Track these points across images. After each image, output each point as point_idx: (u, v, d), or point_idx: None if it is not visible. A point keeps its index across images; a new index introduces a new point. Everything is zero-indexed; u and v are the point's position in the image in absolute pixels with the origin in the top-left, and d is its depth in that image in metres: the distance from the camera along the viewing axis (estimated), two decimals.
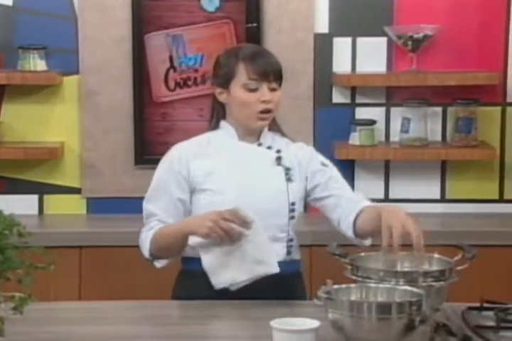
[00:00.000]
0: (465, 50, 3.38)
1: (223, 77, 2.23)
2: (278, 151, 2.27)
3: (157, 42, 3.38)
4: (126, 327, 2.02)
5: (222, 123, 2.28)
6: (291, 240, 2.24)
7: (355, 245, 2.25)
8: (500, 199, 3.43)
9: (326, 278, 1.88)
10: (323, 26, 3.38)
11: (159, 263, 2.27)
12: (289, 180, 2.24)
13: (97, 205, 3.42)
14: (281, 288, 2.15)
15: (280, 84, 2.24)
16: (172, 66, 3.39)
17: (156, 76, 3.39)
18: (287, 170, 2.25)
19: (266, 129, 2.29)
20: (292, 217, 2.24)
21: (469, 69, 3.36)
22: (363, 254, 2.10)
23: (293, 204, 2.23)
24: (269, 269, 2.11)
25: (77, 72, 3.39)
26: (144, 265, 3.11)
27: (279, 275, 2.11)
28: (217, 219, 2.07)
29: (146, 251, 2.26)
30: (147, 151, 3.42)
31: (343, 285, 1.90)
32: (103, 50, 3.38)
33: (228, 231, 2.07)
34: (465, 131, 3.34)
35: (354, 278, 1.98)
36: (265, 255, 2.10)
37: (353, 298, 1.88)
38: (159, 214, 2.25)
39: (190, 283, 2.20)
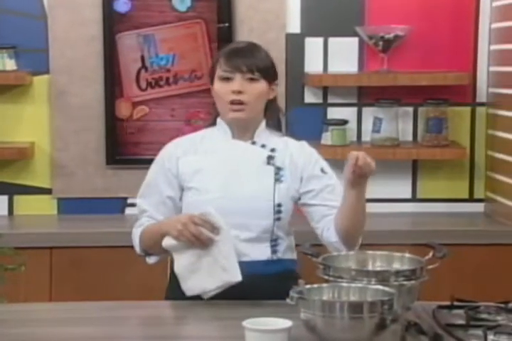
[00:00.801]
0: (435, 50, 3.40)
1: (211, 74, 2.27)
2: (272, 150, 2.25)
3: (128, 41, 3.36)
4: (98, 328, 2.00)
5: (218, 121, 2.29)
6: (275, 240, 2.23)
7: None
8: (470, 199, 3.46)
9: (301, 277, 1.89)
10: (294, 26, 3.39)
11: (151, 260, 2.28)
12: (277, 180, 2.22)
13: (68, 206, 3.40)
14: (268, 288, 2.13)
15: (266, 78, 2.21)
16: (144, 66, 3.38)
17: (128, 76, 3.37)
18: (278, 169, 2.23)
19: (262, 126, 2.26)
20: (278, 219, 2.21)
21: (439, 69, 3.39)
22: (335, 254, 2.11)
23: (279, 205, 2.21)
24: (231, 278, 2.10)
25: (47, 72, 3.36)
26: (115, 265, 3.10)
27: (264, 275, 2.11)
28: (187, 222, 2.07)
29: (137, 247, 2.27)
30: (119, 151, 3.40)
31: (315, 285, 1.91)
32: (74, 50, 3.35)
33: (197, 236, 2.07)
34: (436, 131, 3.37)
35: (326, 277, 1.98)
36: (229, 263, 2.10)
37: (325, 297, 1.88)
38: (149, 210, 2.26)
39: (179, 284, 2.19)
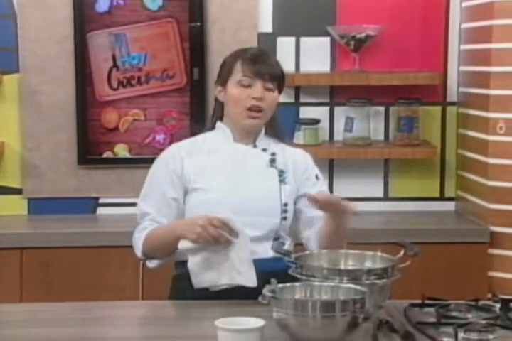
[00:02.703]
0: (406, 50, 3.43)
1: (223, 76, 2.27)
2: (273, 154, 2.28)
3: (100, 41, 3.34)
4: (69, 329, 1.99)
5: (218, 125, 2.30)
6: (277, 239, 2.24)
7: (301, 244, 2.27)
8: (441, 197, 3.49)
9: None
10: (266, 26, 3.40)
11: (151, 264, 2.27)
12: (282, 181, 2.25)
13: (39, 206, 3.37)
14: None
15: (279, 88, 2.26)
16: (115, 65, 3.36)
17: (99, 75, 3.36)
18: (281, 172, 2.26)
19: (262, 133, 2.30)
20: (284, 218, 2.24)
21: (411, 69, 3.41)
22: (307, 252, 2.11)
23: (285, 204, 2.24)
24: (247, 282, 2.11)
25: (17, 71, 3.33)
26: (87, 266, 3.08)
27: (272, 272, 2.07)
28: (206, 225, 2.06)
29: (138, 251, 2.25)
30: (90, 151, 3.38)
31: (288, 284, 1.91)
32: (44, 49, 3.33)
33: (216, 238, 2.07)
34: (407, 130, 3.39)
35: (298, 276, 1.99)
36: (246, 268, 2.11)
37: (297, 296, 1.89)
38: (152, 213, 2.25)
39: (185, 286, 2.20)
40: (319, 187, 2.31)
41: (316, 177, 2.32)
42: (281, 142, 2.34)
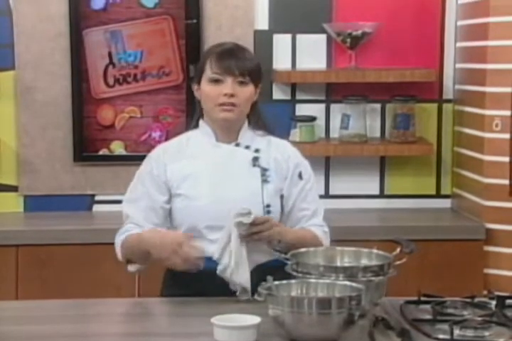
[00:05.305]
0: (403, 47, 3.43)
1: (197, 73, 2.26)
2: (256, 151, 2.25)
3: (96, 37, 3.34)
4: (65, 325, 1.99)
5: (201, 123, 2.28)
6: None
7: None
8: (437, 195, 3.50)
9: None
10: (263, 23, 3.39)
11: (132, 268, 2.25)
12: (264, 181, 2.22)
13: (34, 203, 3.37)
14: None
15: (254, 81, 2.22)
16: (111, 62, 3.35)
17: (95, 72, 3.35)
18: (264, 170, 2.24)
19: (245, 127, 2.27)
20: None
21: (407, 66, 3.41)
22: (303, 250, 2.11)
23: (268, 206, 2.21)
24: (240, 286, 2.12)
25: (12, 68, 3.33)
26: (83, 263, 3.08)
27: (263, 270, 2.07)
28: (176, 249, 2.05)
29: (119, 254, 2.24)
30: (86, 148, 3.38)
31: (284, 281, 1.91)
32: (40, 45, 3.32)
33: (186, 260, 2.06)
34: (403, 128, 3.39)
35: (294, 273, 1.99)
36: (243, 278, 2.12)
37: (293, 293, 1.89)
38: (136, 217, 2.24)
39: (178, 281, 2.20)
40: (303, 185, 2.26)
41: (300, 176, 2.27)
42: (267, 134, 2.30)
